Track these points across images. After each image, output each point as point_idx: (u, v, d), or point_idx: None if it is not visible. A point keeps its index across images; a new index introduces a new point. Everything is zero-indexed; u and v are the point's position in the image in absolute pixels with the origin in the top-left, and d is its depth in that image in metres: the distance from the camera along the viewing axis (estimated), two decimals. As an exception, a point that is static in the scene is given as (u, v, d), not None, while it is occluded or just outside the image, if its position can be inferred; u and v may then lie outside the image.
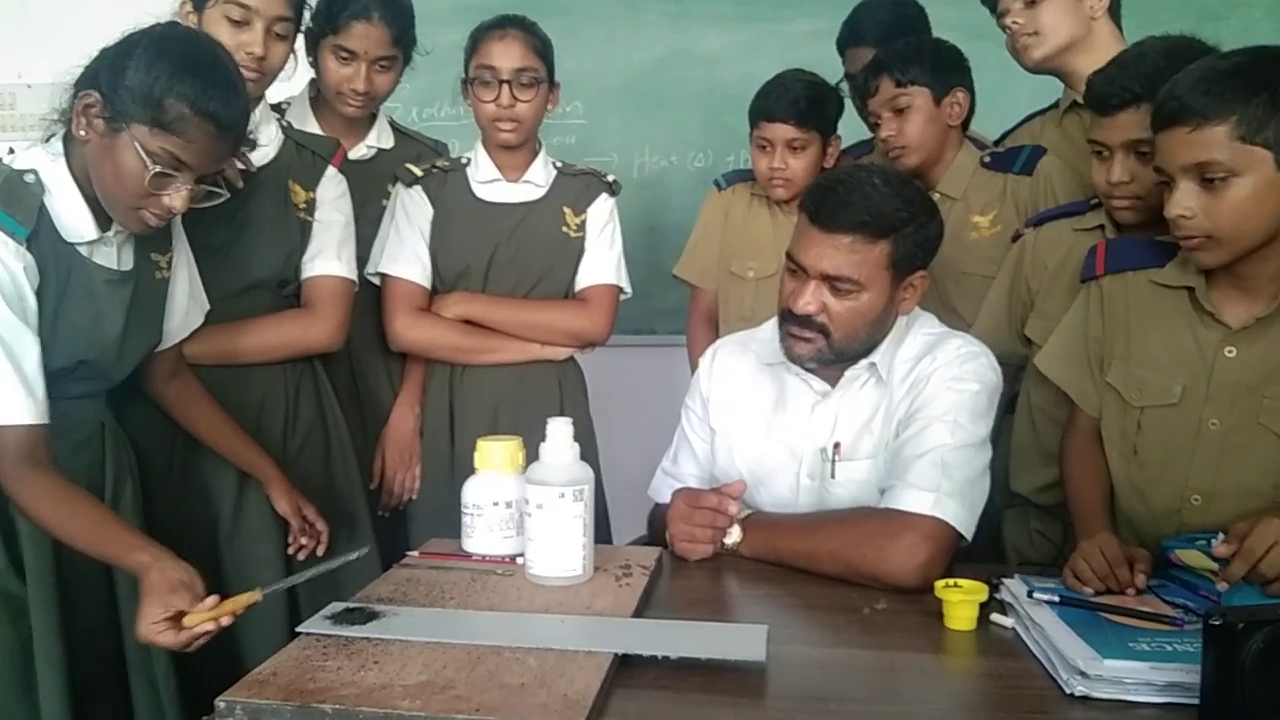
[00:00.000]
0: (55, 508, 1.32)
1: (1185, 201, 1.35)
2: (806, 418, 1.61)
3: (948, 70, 2.05)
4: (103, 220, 1.41)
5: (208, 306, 1.67)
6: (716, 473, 1.68)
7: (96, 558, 1.34)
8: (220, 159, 1.40)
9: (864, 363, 1.57)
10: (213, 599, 1.23)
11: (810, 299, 1.50)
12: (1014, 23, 1.92)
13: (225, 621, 1.23)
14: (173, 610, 1.21)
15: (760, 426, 1.64)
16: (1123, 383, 1.50)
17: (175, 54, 1.33)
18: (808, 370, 1.59)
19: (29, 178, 1.36)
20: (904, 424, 1.52)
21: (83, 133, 1.35)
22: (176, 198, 1.36)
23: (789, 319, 1.54)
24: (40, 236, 1.35)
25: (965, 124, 2.12)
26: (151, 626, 1.21)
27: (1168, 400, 1.45)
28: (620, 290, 2.10)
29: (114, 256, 1.46)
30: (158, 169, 1.32)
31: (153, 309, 1.55)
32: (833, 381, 1.59)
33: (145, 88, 1.31)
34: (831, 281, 1.50)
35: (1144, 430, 1.47)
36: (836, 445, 1.57)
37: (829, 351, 1.53)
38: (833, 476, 1.57)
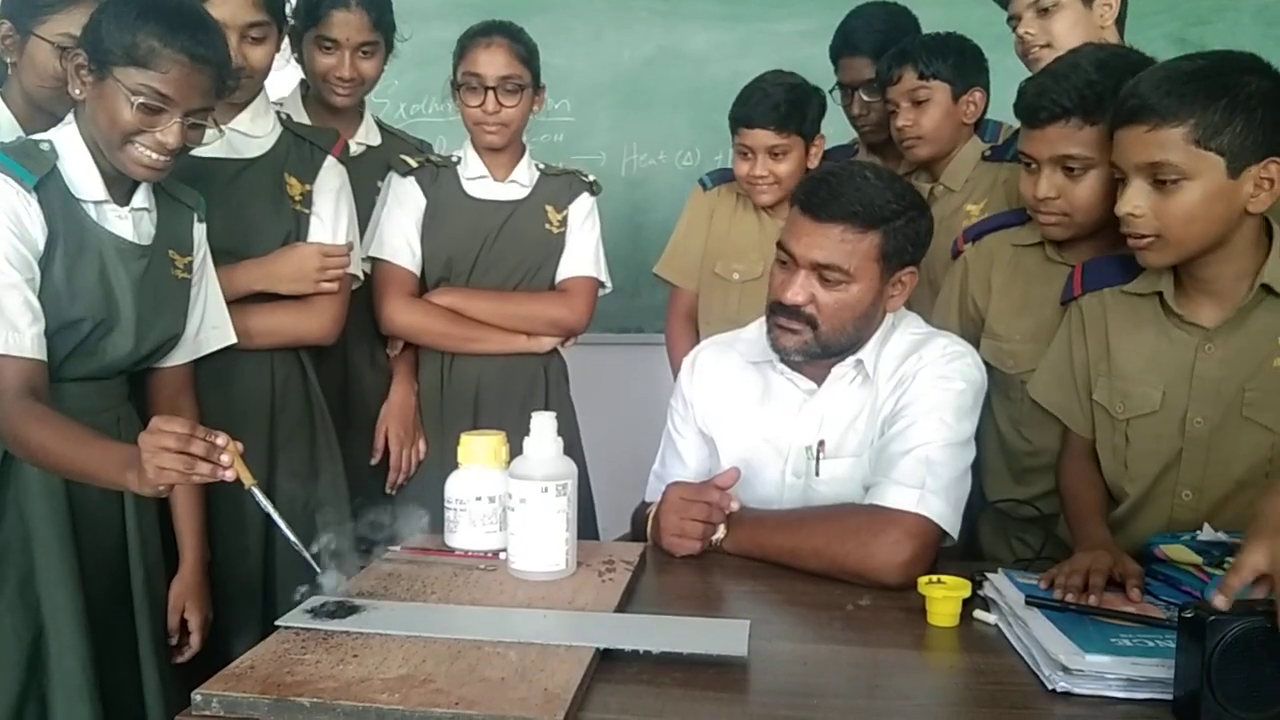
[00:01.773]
0: (47, 432, 1.35)
1: (1135, 200, 1.35)
2: (793, 416, 1.60)
3: (969, 69, 2.07)
4: (114, 190, 1.49)
5: (232, 339, 1.69)
6: (703, 473, 1.67)
7: (89, 475, 1.36)
8: (203, 91, 1.45)
9: (851, 359, 1.56)
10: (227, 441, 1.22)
11: (799, 289, 1.50)
12: (1027, 33, 1.91)
13: (226, 460, 1.20)
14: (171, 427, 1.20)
15: (745, 424, 1.64)
16: (1108, 399, 1.49)
17: (141, 1, 1.43)
18: (794, 366, 1.59)
19: (44, 145, 1.47)
20: (889, 421, 1.52)
21: (78, 91, 1.44)
22: (168, 133, 1.42)
23: (777, 310, 1.53)
24: (50, 190, 1.43)
25: (977, 124, 2.14)
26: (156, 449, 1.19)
27: (1149, 409, 1.45)
28: (600, 284, 2.15)
29: (130, 229, 1.50)
30: (141, 100, 1.40)
31: (170, 299, 1.57)
32: (819, 380, 1.59)
33: (118, 32, 1.40)
34: (821, 271, 1.49)
35: (1131, 443, 1.47)
36: (821, 443, 1.57)
37: (815, 344, 1.52)
38: (817, 474, 1.57)
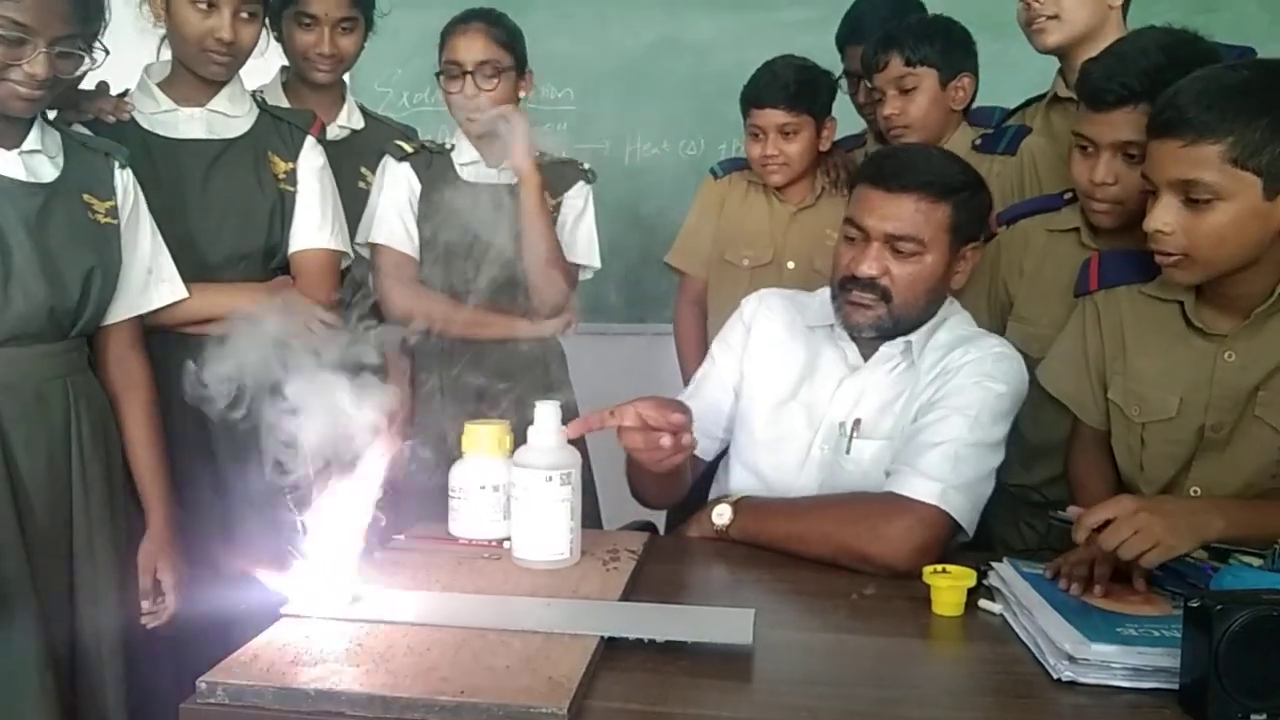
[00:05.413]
0: None
1: (1165, 216, 1.32)
2: (833, 389, 1.59)
3: (957, 54, 2.05)
4: (1, 136, 1.45)
5: (183, 293, 1.67)
6: (723, 419, 1.66)
7: None
8: (64, 18, 1.40)
9: (900, 340, 1.55)
10: None
11: (873, 262, 1.49)
12: (1035, 1, 1.88)
13: None
14: None
15: (784, 389, 1.62)
16: (1123, 399, 1.48)
17: None
18: (865, 338, 1.57)
19: None
20: (925, 409, 1.51)
21: None
22: (35, 64, 1.39)
23: (849, 285, 1.52)
24: None
25: (966, 109, 2.12)
26: None
27: (1165, 415, 1.44)
28: (584, 269, 2.17)
29: (20, 170, 1.47)
30: (0, 32, 1.36)
31: (87, 240, 1.53)
32: (866, 356, 1.58)
33: None
34: (895, 243, 1.49)
35: (1148, 445, 1.46)
36: (858, 421, 1.56)
37: (888, 318, 1.52)
38: (847, 452, 1.55)
